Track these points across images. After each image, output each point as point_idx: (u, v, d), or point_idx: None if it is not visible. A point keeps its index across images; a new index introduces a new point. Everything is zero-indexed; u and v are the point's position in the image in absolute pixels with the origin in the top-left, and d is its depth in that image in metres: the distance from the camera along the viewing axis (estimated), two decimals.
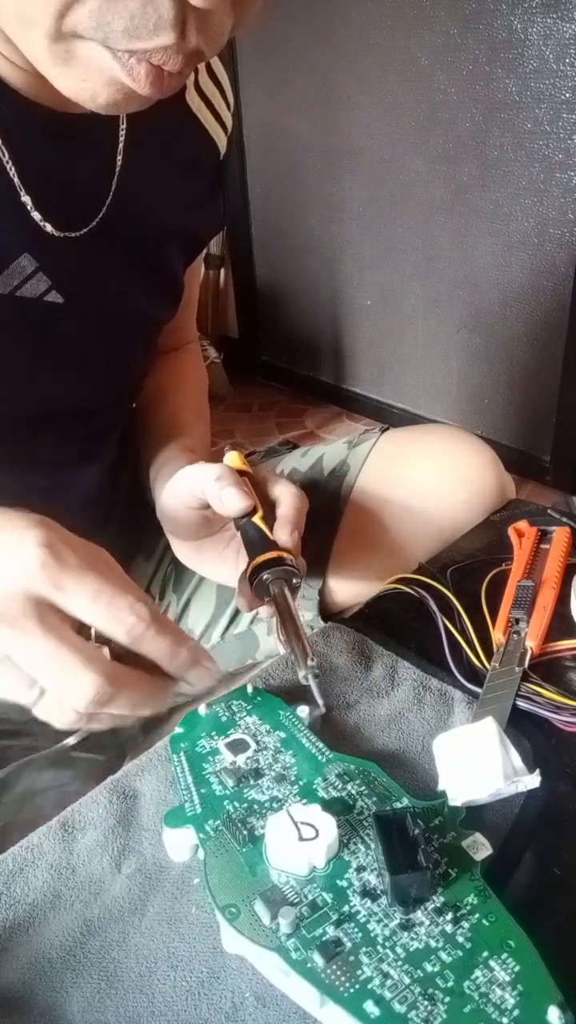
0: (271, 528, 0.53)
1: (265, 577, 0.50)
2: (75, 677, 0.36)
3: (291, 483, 0.57)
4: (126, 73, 0.40)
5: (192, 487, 0.56)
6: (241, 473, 0.56)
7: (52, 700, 0.37)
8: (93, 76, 0.41)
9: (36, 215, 0.52)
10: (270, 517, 0.54)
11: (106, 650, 0.38)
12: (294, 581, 0.51)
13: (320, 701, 0.45)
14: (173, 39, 0.39)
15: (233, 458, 0.59)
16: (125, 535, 0.76)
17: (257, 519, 0.53)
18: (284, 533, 0.52)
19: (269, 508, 0.55)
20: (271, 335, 2.65)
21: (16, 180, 0.51)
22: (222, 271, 2.60)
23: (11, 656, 0.36)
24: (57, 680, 0.36)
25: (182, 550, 0.65)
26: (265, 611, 0.52)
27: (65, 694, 0.36)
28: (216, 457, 0.65)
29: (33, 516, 0.39)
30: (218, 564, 0.63)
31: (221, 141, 0.66)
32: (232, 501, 0.52)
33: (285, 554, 0.51)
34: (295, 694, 0.50)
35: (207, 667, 0.41)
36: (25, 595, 0.36)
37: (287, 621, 0.48)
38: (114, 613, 0.37)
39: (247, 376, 2.68)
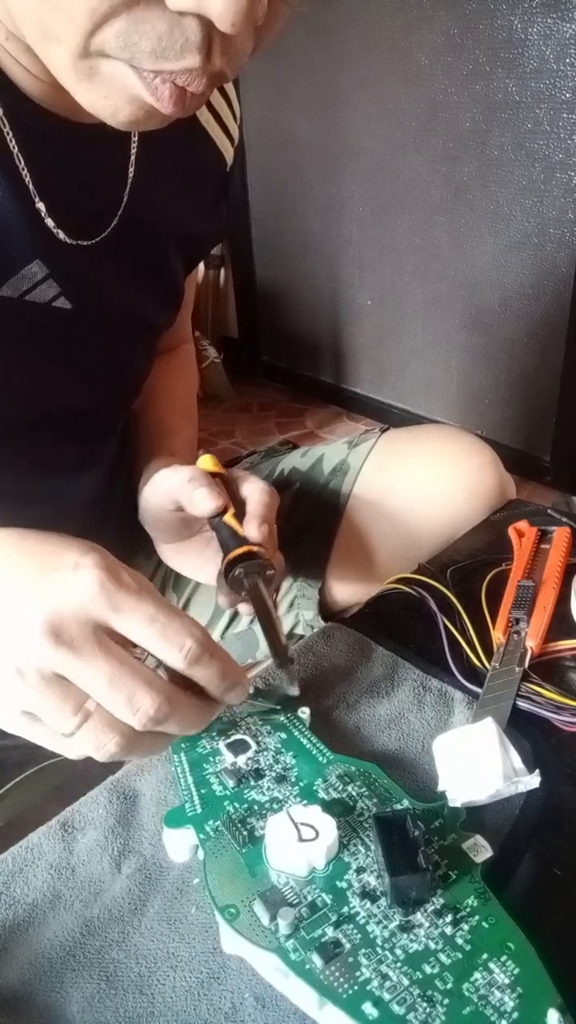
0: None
1: (237, 572, 0.51)
2: (136, 695, 0.36)
3: (260, 480, 0.58)
4: (150, 92, 0.40)
5: (167, 490, 0.58)
6: (214, 475, 0.58)
7: (97, 727, 0.37)
8: (115, 93, 0.41)
9: (50, 221, 0.52)
10: (242, 515, 0.55)
11: (162, 671, 0.39)
12: (267, 573, 0.52)
13: (293, 688, 0.46)
14: (199, 62, 0.38)
15: (206, 461, 0.61)
16: (124, 534, 0.76)
17: (228, 517, 0.54)
18: (252, 528, 0.54)
19: (241, 506, 0.56)
20: (271, 335, 2.65)
21: (31, 187, 0.51)
22: (222, 271, 2.60)
23: (69, 676, 0.36)
24: (117, 698, 0.36)
25: (165, 552, 0.67)
26: (245, 608, 0.53)
27: (124, 712, 0.36)
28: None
29: (83, 542, 0.39)
30: (199, 565, 0.64)
31: (228, 152, 0.67)
32: (203, 502, 0.54)
33: (256, 548, 0.52)
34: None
35: (244, 685, 0.42)
36: (84, 617, 0.37)
37: (261, 612, 0.49)
38: (170, 636, 0.38)
39: (247, 376, 2.68)
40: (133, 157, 0.57)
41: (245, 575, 0.51)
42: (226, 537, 0.54)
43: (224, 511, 0.55)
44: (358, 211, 2.16)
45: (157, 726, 0.37)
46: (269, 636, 0.48)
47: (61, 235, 0.53)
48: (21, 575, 0.38)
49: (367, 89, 1.98)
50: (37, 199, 0.51)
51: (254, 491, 0.57)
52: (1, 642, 0.36)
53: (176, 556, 0.66)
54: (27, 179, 0.51)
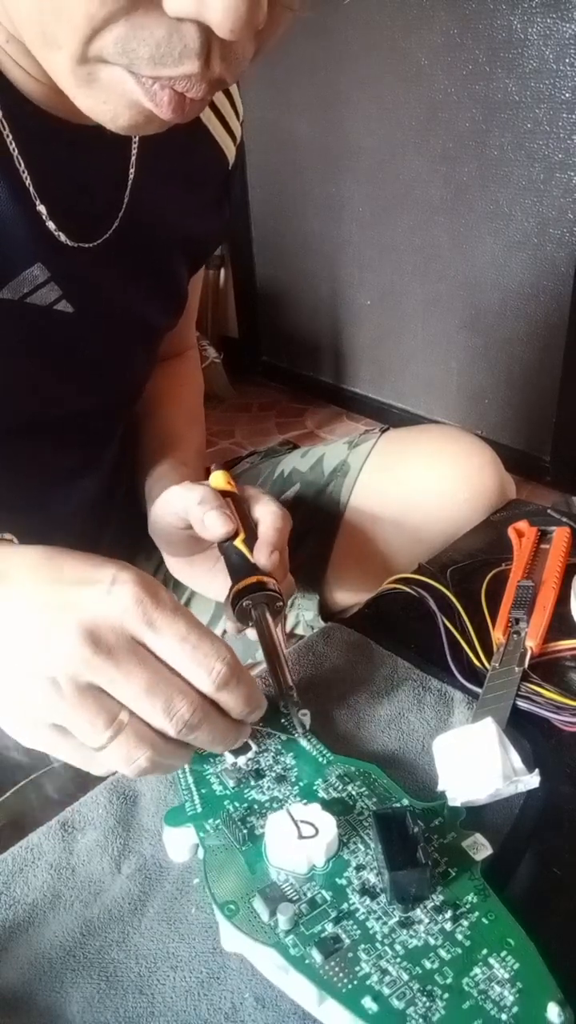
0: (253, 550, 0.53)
1: (245, 603, 0.50)
2: (174, 701, 0.36)
3: (274, 501, 0.57)
4: (149, 98, 0.40)
5: (177, 508, 0.56)
6: (225, 494, 0.56)
7: (129, 741, 0.37)
8: (115, 99, 0.41)
9: (51, 224, 0.52)
10: (253, 538, 0.54)
11: None
12: (276, 605, 0.50)
13: (300, 729, 0.45)
14: (198, 68, 0.38)
15: (218, 478, 0.59)
16: (125, 535, 0.76)
17: (239, 542, 0.53)
18: (263, 555, 0.52)
19: (252, 528, 0.55)
20: (271, 335, 2.65)
21: (32, 189, 0.51)
22: (222, 271, 2.60)
23: (105, 685, 0.36)
24: (155, 705, 0.36)
25: (174, 565, 0.66)
26: (252, 635, 0.52)
27: (161, 719, 0.36)
28: (213, 461, 0.65)
29: (118, 560, 0.39)
30: (208, 580, 0.63)
31: (230, 150, 0.67)
32: (214, 526, 0.53)
33: (266, 578, 0.50)
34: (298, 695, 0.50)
35: (263, 708, 0.42)
36: (120, 629, 0.37)
37: (267, 647, 0.48)
38: (200, 658, 0.37)
39: (247, 376, 2.68)
40: (133, 159, 0.56)
41: (253, 607, 0.50)
42: (235, 563, 0.52)
43: (235, 535, 0.53)
44: (358, 211, 2.16)
45: (191, 733, 0.37)
46: (274, 672, 0.47)
47: (62, 238, 0.53)
48: (57, 588, 0.38)
49: (367, 89, 1.99)
50: (38, 202, 0.51)
51: (266, 514, 0.55)
52: (35, 653, 0.36)
53: (185, 570, 0.65)
54: (27, 181, 0.50)
